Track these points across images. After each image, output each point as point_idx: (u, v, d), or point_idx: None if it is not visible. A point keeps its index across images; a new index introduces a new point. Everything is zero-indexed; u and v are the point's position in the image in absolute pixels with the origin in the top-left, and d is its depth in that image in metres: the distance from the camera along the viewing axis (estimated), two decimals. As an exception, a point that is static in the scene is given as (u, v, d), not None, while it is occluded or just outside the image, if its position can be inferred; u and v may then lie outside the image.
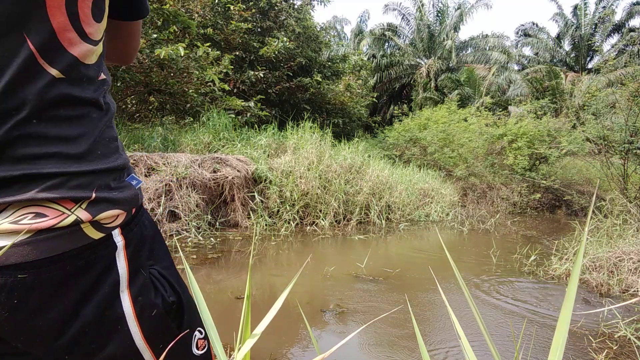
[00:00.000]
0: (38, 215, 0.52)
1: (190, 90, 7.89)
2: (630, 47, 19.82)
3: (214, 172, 6.27)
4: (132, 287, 0.60)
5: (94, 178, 0.56)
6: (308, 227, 6.70)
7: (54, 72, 0.53)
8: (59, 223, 0.53)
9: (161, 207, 5.62)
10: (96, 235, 0.56)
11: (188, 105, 8.08)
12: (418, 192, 8.67)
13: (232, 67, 8.31)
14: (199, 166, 6.17)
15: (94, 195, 0.55)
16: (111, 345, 0.59)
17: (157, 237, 0.69)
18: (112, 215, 0.57)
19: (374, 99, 16.64)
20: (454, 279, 4.35)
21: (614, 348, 2.70)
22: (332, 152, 7.93)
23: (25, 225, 0.51)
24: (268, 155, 7.44)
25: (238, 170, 6.40)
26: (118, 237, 0.59)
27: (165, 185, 5.69)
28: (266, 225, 6.42)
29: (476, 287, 4.05)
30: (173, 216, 5.76)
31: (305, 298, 3.57)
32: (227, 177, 6.24)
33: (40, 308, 0.53)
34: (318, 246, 5.68)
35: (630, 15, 21.90)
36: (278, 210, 6.68)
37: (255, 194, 6.54)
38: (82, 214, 0.54)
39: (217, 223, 6.22)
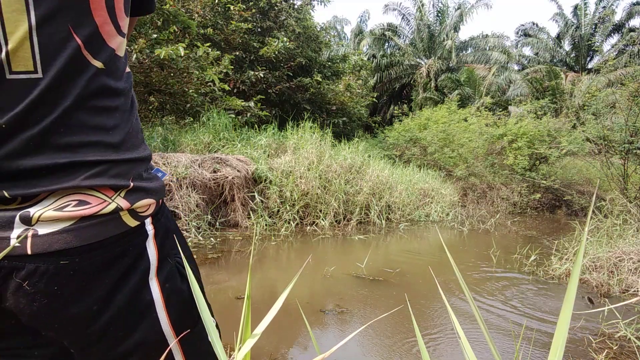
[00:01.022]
0: (81, 202, 0.54)
1: (190, 90, 7.89)
2: (630, 47, 19.81)
3: (214, 172, 6.27)
4: (159, 275, 0.62)
5: (130, 167, 0.58)
6: (308, 227, 6.70)
7: (97, 64, 0.55)
8: (101, 210, 0.54)
9: (161, 207, 5.61)
10: (133, 223, 0.57)
11: (188, 105, 8.08)
12: (418, 192, 8.67)
13: (232, 67, 8.31)
14: (199, 166, 6.18)
15: (131, 184, 0.57)
16: (139, 331, 0.60)
17: (177, 229, 0.71)
18: (146, 204, 0.59)
19: (374, 99, 16.63)
20: (454, 279, 4.35)
21: (614, 348, 2.70)
22: (332, 152, 7.93)
23: (69, 212, 0.52)
24: (268, 155, 7.44)
25: (238, 170, 6.40)
26: (149, 226, 0.60)
27: (165, 185, 5.69)
28: (266, 225, 6.43)
29: (476, 287, 4.05)
30: (173, 216, 5.76)
31: (305, 298, 3.57)
32: (227, 177, 6.25)
33: (78, 295, 0.54)
34: (318, 246, 5.68)
35: (630, 15, 21.89)
36: (278, 210, 6.68)
37: (256, 194, 6.54)
38: (121, 202, 0.56)
39: (217, 223, 6.22)
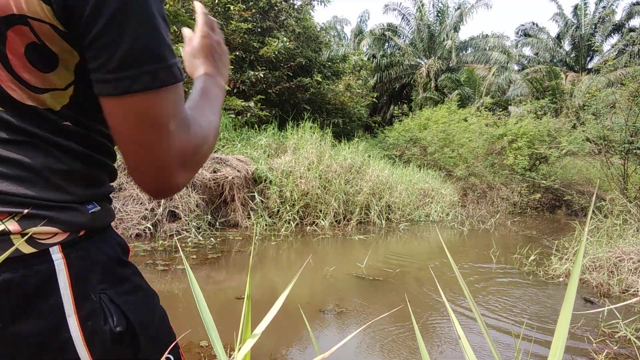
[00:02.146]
0: None
1: (190, 91, 7.88)
2: (630, 47, 19.81)
3: (214, 172, 6.27)
4: (80, 311, 0.57)
5: (29, 199, 0.55)
6: (308, 227, 6.70)
7: None
8: None
9: (161, 207, 5.62)
10: (27, 249, 0.54)
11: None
12: (418, 192, 8.67)
13: (232, 67, 8.31)
14: (199, 166, 6.18)
15: (25, 211, 0.54)
16: None
17: (119, 261, 0.66)
18: (48, 232, 0.56)
19: (374, 99, 16.63)
20: (454, 279, 4.35)
21: (614, 348, 2.70)
22: (332, 152, 7.93)
23: None
24: (268, 155, 7.44)
25: (238, 171, 6.40)
26: (57, 255, 0.56)
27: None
28: (266, 225, 6.43)
29: (476, 287, 4.05)
30: (173, 216, 5.77)
31: (305, 298, 3.57)
32: (227, 177, 6.25)
33: None
34: (318, 246, 5.68)
35: (630, 15, 21.91)
36: (278, 211, 6.68)
37: (255, 194, 6.54)
38: (11, 225, 0.54)
39: (217, 223, 6.22)
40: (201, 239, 5.51)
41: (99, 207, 0.63)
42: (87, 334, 0.57)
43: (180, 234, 5.56)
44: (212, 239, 5.56)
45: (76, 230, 0.58)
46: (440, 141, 11.41)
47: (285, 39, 9.84)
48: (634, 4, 21.65)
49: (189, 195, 5.84)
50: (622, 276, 3.96)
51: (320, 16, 34.50)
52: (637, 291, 3.70)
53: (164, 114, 0.54)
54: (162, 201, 5.59)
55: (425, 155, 11.55)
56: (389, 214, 7.79)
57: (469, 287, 4.06)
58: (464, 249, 5.98)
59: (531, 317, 3.30)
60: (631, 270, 4.04)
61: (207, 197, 6.18)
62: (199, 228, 5.77)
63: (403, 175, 9.11)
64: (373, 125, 17.30)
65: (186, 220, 5.69)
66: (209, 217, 6.07)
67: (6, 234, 0.53)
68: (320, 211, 6.95)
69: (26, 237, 0.54)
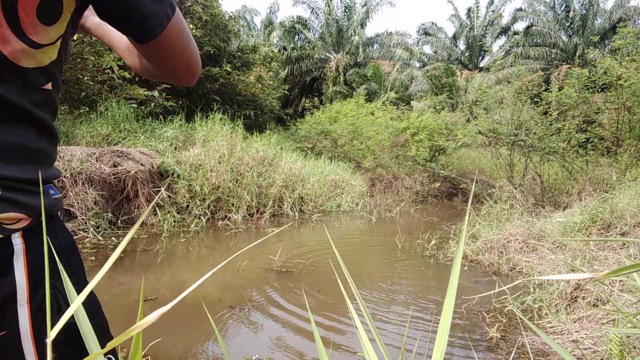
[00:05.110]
0: None
1: (86, 78, 7.21)
2: (515, 48, 22.12)
3: (114, 166, 5.83)
4: (32, 301, 0.54)
5: (7, 182, 0.53)
6: (220, 222, 6.53)
7: None
8: None
9: (53, 206, 5.09)
10: None
11: (83, 94, 7.39)
12: (329, 184, 8.88)
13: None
14: (96, 160, 5.70)
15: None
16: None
17: (70, 251, 0.64)
18: (13, 217, 0.53)
19: (286, 92, 16.64)
20: (364, 266, 4.55)
21: (504, 321, 3.02)
22: (244, 145, 7.80)
23: None
24: (175, 148, 7.10)
25: (142, 164, 6.02)
26: (17, 240, 0.54)
27: (58, 181, 5.16)
28: (174, 221, 6.14)
29: (383, 272, 4.26)
30: (68, 215, 5.26)
31: (216, 295, 3.48)
32: (129, 172, 5.84)
33: None
34: (231, 241, 5.57)
35: (514, 19, 24.40)
36: (187, 206, 6.42)
37: (162, 188, 6.21)
38: None
39: (119, 221, 5.81)
40: (101, 238, 5.11)
41: (59, 194, 0.63)
42: (36, 326, 0.55)
43: (77, 235, 5.10)
44: (113, 238, 5.18)
45: (37, 216, 0.56)
46: (349, 134, 11.78)
47: (191, 26, 9.41)
48: (517, 10, 24.15)
49: (86, 192, 5.36)
50: (510, 255, 4.43)
51: (228, 5, 33.56)
52: (522, 269, 4.16)
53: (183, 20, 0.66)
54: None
55: (336, 148, 11.86)
56: (302, 205, 7.88)
57: (377, 271, 4.27)
58: (373, 236, 6.26)
59: (429, 300, 3.56)
60: (517, 250, 4.54)
61: (106, 194, 5.73)
62: (98, 227, 5.34)
63: (315, 167, 9.27)
64: (285, 117, 17.33)
65: (83, 219, 5.23)
66: (110, 214, 5.64)
67: None
68: (233, 205, 6.82)
69: None
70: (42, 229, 0.57)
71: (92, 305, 0.64)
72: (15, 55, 0.52)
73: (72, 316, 0.57)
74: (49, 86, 0.58)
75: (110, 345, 0.33)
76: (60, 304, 0.59)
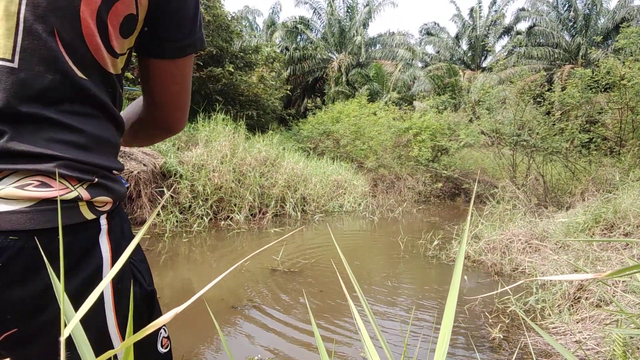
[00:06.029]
0: (43, 184, 0.54)
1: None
2: (518, 48, 22.07)
3: (118, 166, 5.85)
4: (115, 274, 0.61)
5: (97, 168, 0.60)
6: (222, 222, 6.54)
7: (78, 72, 0.58)
8: (62, 196, 0.55)
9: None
10: (89, 215, 0.58)
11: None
12: (332, 184, 8.88)
13: (137, 54, 7.76)
14: (99, 161, 5.71)
15: (96, 179, 0.59)
16: (85, 329, 0.56)
17: (131, 232, 0.72)
18: (104, 201, 0.61)
19: (288, 92, 16.64)
20: (366, 266, 4.54)
21: (507, 322, 3.02)
22: (247, 145, 7.81)
23: (30, 192, 0.53)
24: (178, 148, 7.11)
25: (144, 165, 6.04)
26: (103, 220, 0.61)
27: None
28: (177, 221, 6.15)
29: (386, 273, 4.26)
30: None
31: (219, 295, 3.49)
32: (132, 172, 5.86)
33: (22, 278, 0.53)
34: (233, 241, 5.58)
35: (517, 19, 24.33)
36: (190, 206, 6.43)
37: (165, 189, 6.22)
38: (83, 192, 0.57)
39: (123, 221, 5.82)
40: (104, 239, 5.12)
41: (125, 182, 0.72)
42: (117, 295, 0.62)
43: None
44: (116, 238, 5.19)
45: (117, 201, 0.65)
46: (352, 134, 11.77)
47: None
48: (520, 10, 24.09)
49: (89, 193, 5.38)
50: (513, 256, 4.42)
51: (231, 5, 33.60)
52: (525, 269, 4.15)
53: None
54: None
55: (338, 148, 11.85)
56: (304, 205, 7.89)
57: (379, 271, 4.27)
58: (375, 236, 6.26)
59: (433, 299, 3.56)
60: (520, 250, 4.52)
61: (110, 194, 5.75)
62: (101, 227, 5.35)
63: (317, 167, 9.27)
64: (287, 117, 17.34)
65: (86, 219, 5.24)
66: (113, 215, 5.66)
67: (79, 199, 0.57)
68: (235, 205, 6.82)
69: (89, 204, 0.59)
70: (118, 212, 0.66)
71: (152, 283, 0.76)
72: (105, 62, 0.61)
73: (145, 289, 0.69)
74: (120, 90, 0.67)
75: (127, 343, 0.36)
76: (135, 274, 0.68)
